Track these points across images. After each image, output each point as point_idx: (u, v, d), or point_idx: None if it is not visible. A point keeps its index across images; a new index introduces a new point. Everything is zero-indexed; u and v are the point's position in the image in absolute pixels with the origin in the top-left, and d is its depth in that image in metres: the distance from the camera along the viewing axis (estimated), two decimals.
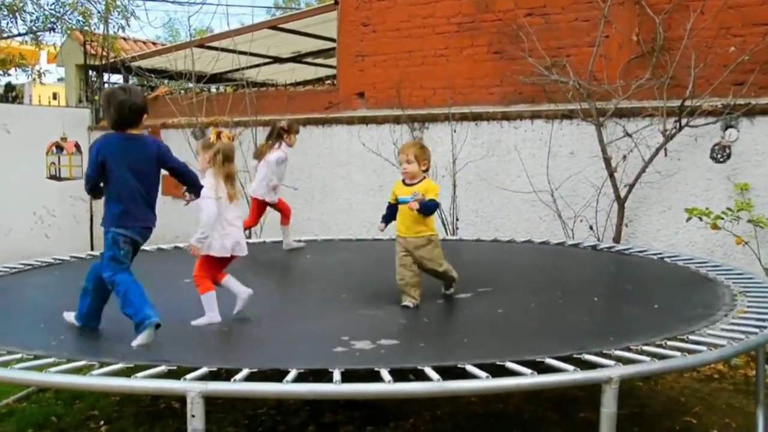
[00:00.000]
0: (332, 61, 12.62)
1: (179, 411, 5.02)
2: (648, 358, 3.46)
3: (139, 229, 4.16)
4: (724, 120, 7.31)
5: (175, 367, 3.36)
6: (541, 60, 8.10)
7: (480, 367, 3.33)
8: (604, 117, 7.73)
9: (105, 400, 5.43)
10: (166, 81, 13.24)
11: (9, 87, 15.85)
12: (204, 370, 3.32)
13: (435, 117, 8.97)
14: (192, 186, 4.39)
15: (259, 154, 7.18)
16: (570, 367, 3.31)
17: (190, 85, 10.64)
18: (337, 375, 3.24)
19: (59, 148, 11.46)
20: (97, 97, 12.43)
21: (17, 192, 10.97)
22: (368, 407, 5.05)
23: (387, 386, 3.18)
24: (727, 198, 7.32)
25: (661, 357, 3.50)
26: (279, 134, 7.11)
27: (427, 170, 5.04)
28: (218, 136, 4.77)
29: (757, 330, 3.95)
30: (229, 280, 4.72)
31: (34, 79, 12.50)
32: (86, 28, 11.64)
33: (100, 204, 11.52)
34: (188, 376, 3.23)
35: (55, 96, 17.72)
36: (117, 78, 13.41)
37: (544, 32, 8.28)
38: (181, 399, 3.22)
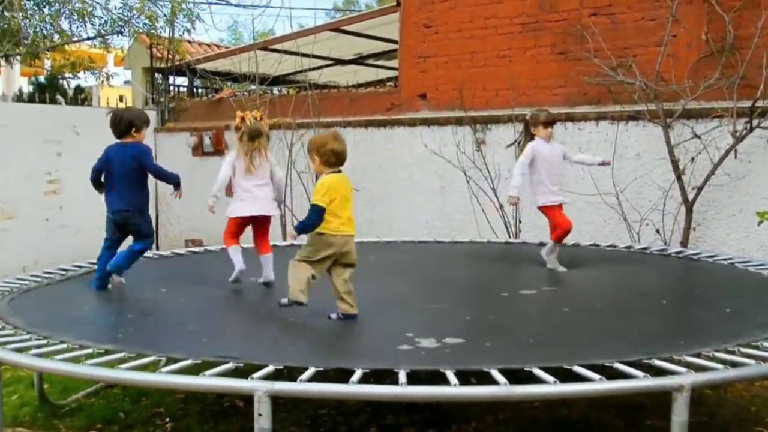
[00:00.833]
0: (394, 63, 12.63)
1: (243, 410, 5.06)
2: (720, 366, 3.37)
3: (115, 211, 5.52)
4: None
5: (242, 365, 3.39)
6: (607, 60, 7.98)
7: (547, 370, 3.28)
8: (672, 118, 7.58)
9: (170, 397, 5.50)
10: (229, 83, 13.41)
11: (79, 90, 16.26)
12: (270, 368, 3.33)
13: (497, 118, 8.90)
14: (169, 181, 5.59)
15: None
16: (640, 374, 3.24)
17: (253, 87, 10.74)
18: (402, 377, 3.22)
19: None
20: (162, 100, 12.64)
21: (85, 192, 11.11)
22: (430, 409, 5.02)
23: (454, 390, 3.15)
24: None
25: (735, 364, 3.41)
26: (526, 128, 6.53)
27: (332, 164, 4.61)
28: (242, 119, 5.79)
29: None
30: (265, 258, 5.72)
31: (102, 82, 12.73)
32: (153, 31, 11.82)
33: (165, 205, 11.68)
34: (255, 375, 3.25)
35: (121, 98, 18.07)
36: (182, 80, 13.64)
37: (609, 32, 8.15)
38: (246, 397, 3.24)
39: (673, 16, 7.68)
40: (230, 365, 3.39)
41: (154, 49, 12.71)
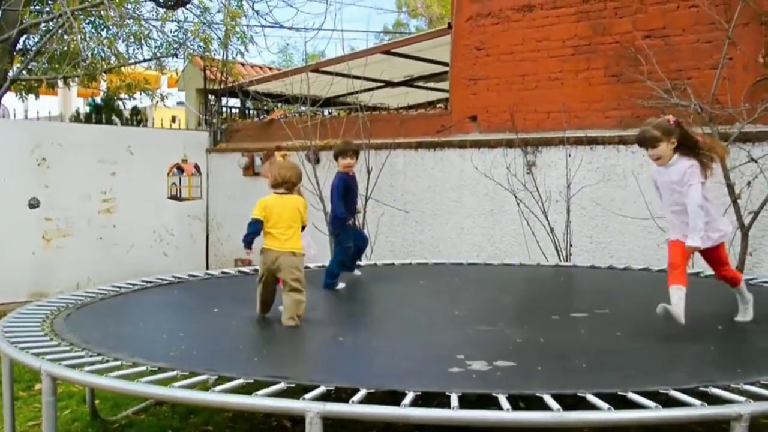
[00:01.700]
0: (444, 85, 12.66)
1: (290, 429, 5.07)
2: None
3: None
4: None
5: (293, 385, 3.40)
6: (661, 83, 7.88)
7: (600, 396, 3.24)
8: (728, 142, 7.44)
9: (219, 416, 5.54)
10: (280, 105, 13.56)
11: (134, 111, 16.56)
12: (322, 389, 3.34)
13: (549, 141, 8.85)
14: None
15: None
16: (697, 402, 3.17)
17: (304, 108, 10.85)
18: (454, 400, 3.20)
19: (180, 169, 11.88)
20: (215, 121, 12.83)
21: (139, 211, 11.40)
22: None
23: (507, 414, 3.11)
24: None
25: None
26: None
27: (278, 185, 5.18)
28: (284, 158, 5.60)
29: None
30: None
31: (157, 103, 12.99)
32: (207, 53, 12.05)
33: (215, 225, 11.87)
34: (307, 396, 3.25)
35: (174, 119, 18.38)
36: (234, 102, 13.83)
37: (663, 54, 8.07)
38: (294, 418, 3.25)
39: (730, 38, 7.57)
40: (281, 385, 3.40)
41: (208, 71, 12.92)
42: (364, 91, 11.79)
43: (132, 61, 11.97)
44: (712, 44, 7.85)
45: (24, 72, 11.45)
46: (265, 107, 13.69)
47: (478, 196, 9.43)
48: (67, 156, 10.66)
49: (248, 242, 5.08)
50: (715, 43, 7.78)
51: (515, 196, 8.83)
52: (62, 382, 4.42)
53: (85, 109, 19.73)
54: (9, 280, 9.88)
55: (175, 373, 3.66)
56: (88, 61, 10.70)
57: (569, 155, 8.57)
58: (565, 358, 4.21)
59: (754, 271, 7.35)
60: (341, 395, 3.35)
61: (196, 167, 12.09)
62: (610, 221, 8.40)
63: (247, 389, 3.47)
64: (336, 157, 6.67)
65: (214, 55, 12.22)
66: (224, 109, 13.48)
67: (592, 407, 3.18)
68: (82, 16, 10.82)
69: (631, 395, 3.27)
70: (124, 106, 15.09)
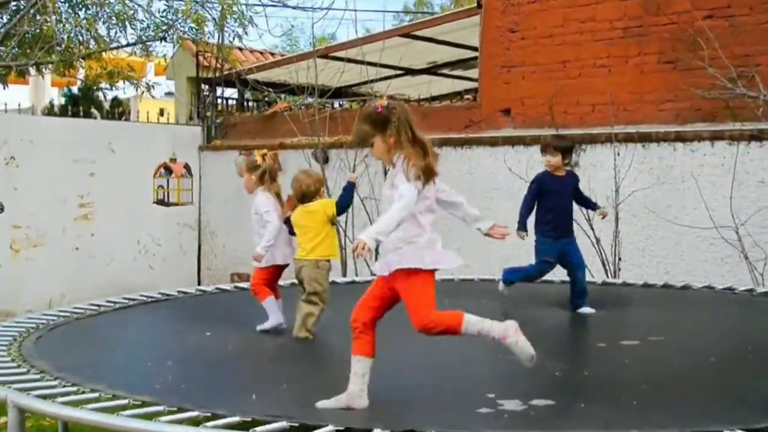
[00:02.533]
0: (473, 73, 12.63)
1: None
2: None
3: None
4: None
5: (296, 425, 3.38)
6: (725, 70, 7.84)
7: None
8: None
9: None
10: (283, 95, 13.57)
11: (116, 102, 16.66)
12: (330, 428, 3.32)
13: (594, 138, 8.82)
14: None
15: None
16: None
17: (311, 99, 10.84)
18: None
19: (168, 170, 11.90)
20: (209, 114, 12.82)
21: (120, 218, 11.40)
22: None
23: None
24: None
25: None
26: None
27: (303, 198, 5.61)
28: (264, 157, 6.02)
29: None
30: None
31: (142, 93, 12.98)
32: (200, 37, 12.02)
33: (208, 233, 11.84)
34: None
35: (161, 112, 18.47)
36: (231, 92, 13.84)
37: (727, 37, 8.03)
38: None
39: None
40: (283, 424, 3.38)
41: (201, 57, 12.93)
42: (381, 79, 11.77)
43: (114, 45, 11.98)
44: None
45: None
46: (267, 98, 13.70)
47: (514, 202, 9.37)
48: (39, 154, 10.70)
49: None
50: None
51: None
52: (31, 414, 4.43)
53: (60, 101, 19.88)
54: None
55: (161, 408, 3.65)
56: (63, 46, 10.73)
57: (618, 154, 8.53)
58: (613, 393, 4.19)
59: None
60: None
61: (187, 167, 12.11)
62: (666, 231, 8.36)
63: (243, 426, 3.46)
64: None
65: (209, 38, 12.21)
66: (219, 101, 13.48)
67: None
68: None
69: None
70: (105, 97, 15.14)
